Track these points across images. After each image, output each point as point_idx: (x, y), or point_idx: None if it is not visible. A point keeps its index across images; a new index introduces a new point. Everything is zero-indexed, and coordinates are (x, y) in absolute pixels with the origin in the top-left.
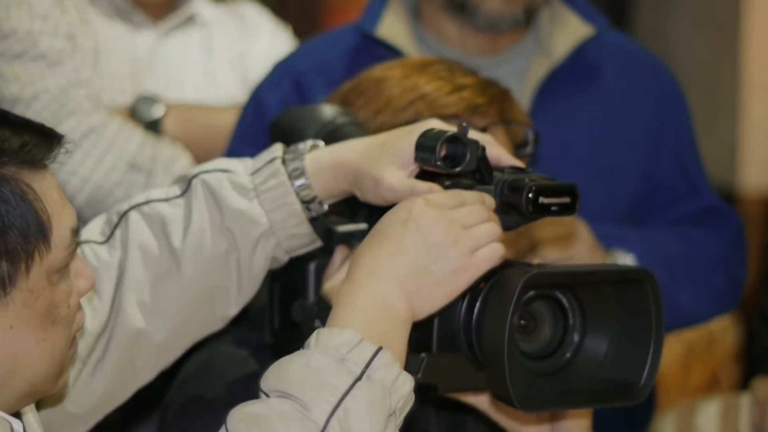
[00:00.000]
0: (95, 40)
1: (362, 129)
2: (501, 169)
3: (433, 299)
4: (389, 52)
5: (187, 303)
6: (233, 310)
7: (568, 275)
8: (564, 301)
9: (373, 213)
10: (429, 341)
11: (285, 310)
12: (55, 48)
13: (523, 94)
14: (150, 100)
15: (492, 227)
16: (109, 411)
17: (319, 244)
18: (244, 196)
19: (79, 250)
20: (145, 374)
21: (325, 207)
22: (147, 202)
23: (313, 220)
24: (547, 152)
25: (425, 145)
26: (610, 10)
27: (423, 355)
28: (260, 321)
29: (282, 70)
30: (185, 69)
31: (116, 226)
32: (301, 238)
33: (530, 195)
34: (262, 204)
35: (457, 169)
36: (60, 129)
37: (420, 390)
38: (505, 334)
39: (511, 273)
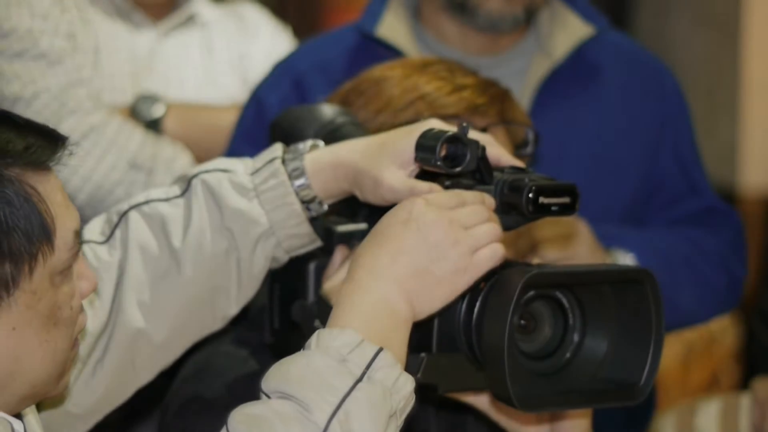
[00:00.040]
0: (95, 40)
1: (362, 129)
2: (501, 169)
3: (433, 299)
4: (389, 52)
5: (187, 303)
6: (233, 309)
7: (568, 275)
8: (564, 301)
9: (373, 213)
10: (429, 341)
11: (285, 310)
12: (55, 47)
13: (523, 94)
14: (150, 99)
15: (492, 227)
16: (109, 411)
17: (319, 243)
18: (244, 196)
19: (81, 252)
20: (145, 374)
21: (325, 207)
22: (147, 202)
23: (313, 220)
24: (547, 152)
25: (425, 145)
26: (610, 10)
27: (423, 355)
28: (260, 321)
29: (282, 69)
30: (185, 69)
31: (116, 225)
32: (301, 237)
33: (530, 195)
34: (262, 204)
35: (457, 169)
36: (60, 128)
37: (420, 390)
38: (505, 334)
39: (511, 273)
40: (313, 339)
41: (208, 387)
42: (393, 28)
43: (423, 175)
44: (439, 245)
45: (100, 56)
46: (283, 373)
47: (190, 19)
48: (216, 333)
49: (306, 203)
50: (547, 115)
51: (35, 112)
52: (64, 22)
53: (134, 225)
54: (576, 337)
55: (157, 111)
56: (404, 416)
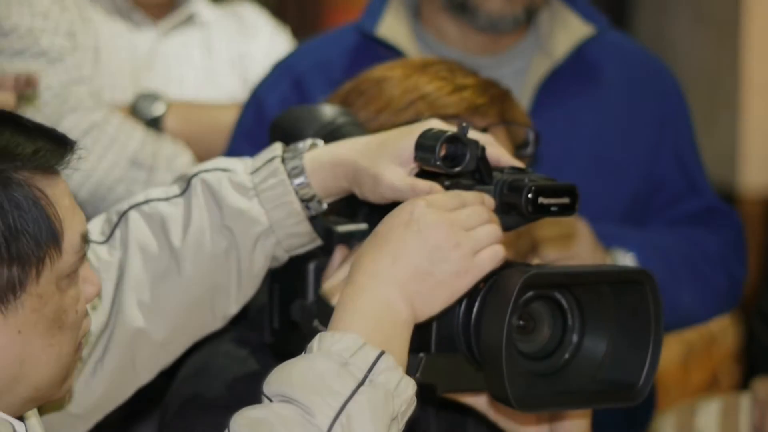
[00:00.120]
0: (96, 39)
1: (362, 129)
2: (501, 170)
3: (434, 302)
4: (389, 51)
5: (186, 302)
6: (233, 309)
7: (567, 275)
8: (563, 301)
9: (373, 213)
10: (427, 341)
11: (285, 310)
12: (56, 45)
13: (524, 94)
14: (151, 97)
15: (493, 229)
16: (110, 411)
17: (318, 242)
18: (243, 195)
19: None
20: (145, 374)
21: (324, 205)
22: (147, 202)
23: (312, 219)
24: (547, 152)
25: (425, 144)
26: (610, 10)
27: (421, 355)
28: (260, 321)
29: (282, 69)
30: (185, 68)
31: (116, 225)
32: (300, 236)
33: (530, 195)
34: (261, 203)
35: (457, 169)
36: (61, 125)
37: (420, 391)
38: (503, 335)
39: (509, 273)
40: (315, 342)
41: (207, 387)
42: (393, 28)
43: (422, 175)
44: (440, 247)
45: (101, 55)
46: (284, 377)
47: (190, 19)
48: (216, 333)
49: (305, 202)
50: (547, 115)
51: (36, 109)
52: (65, 21)
53: (134, 224)
54: (575, 338)
55: (158, 109)
56: (405, 419)
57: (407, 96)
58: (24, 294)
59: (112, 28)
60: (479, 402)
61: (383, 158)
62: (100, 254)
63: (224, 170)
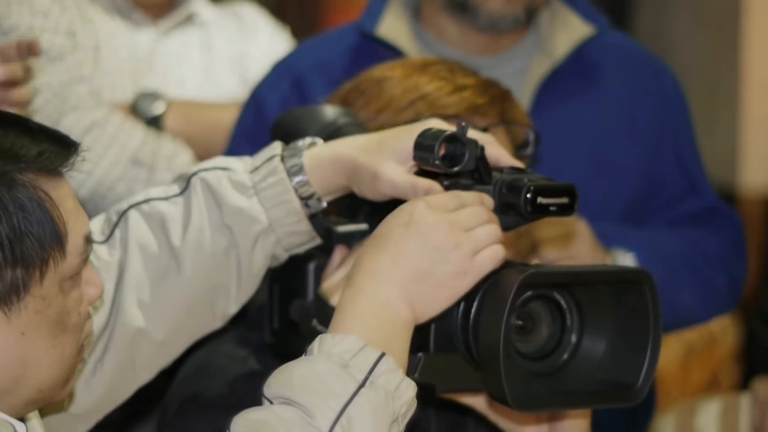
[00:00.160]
0: (95, 38)
1: (364, 130)
2: (500, 170)
3: (434, 303)
4: (389, 51)
5: (186, 301)
6: (233, 308)
7: (565, 275)
8: (562, 301)
9: (374, 213)
10: (426, 341)
11: (285, 310)
12: (56, 44)
13: (524, 94)
14: (151, 96)
15: (492, 229)
16: (110, 410)
17: (318, 241)
18: (243, 194)
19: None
20: (145, 373)
21: (324, 204)
22: (146, 201)
23: (311, 218)
24: (547, 152)
25: (424, 144)
26: (610, 10)
27: (420, 355)
28: (260, 320)
29: (282, 69)
30: (185, 67)
31: (116, 225)
32: (300, 235)
33: (528, 195)
34: (261, 202)
35: (456, 169)
36: (62, 124)
37: (420, 391)
38: (501, 334)
39: (507, 273)
40: (315, 344)
41: (207, 387)
42: (393, 27)
43: (421, 175)
44: (440, 248)
45: (100, 54)
46: (285, 379)
47: (189, 19)
48: (216, 332)
49: (304, 200)
50: (547, 115)
51: (37, 108)
52: (64, 20)
53: (134, 224)
54: (573, 338)
55: (158, 108)
56: (406, 421)
57: (407, 96)
58: (27, 296)
59: (111, 28)
60: (479, 402)
61: (383, 155)
62: (100, 254)
63: (224, 169)
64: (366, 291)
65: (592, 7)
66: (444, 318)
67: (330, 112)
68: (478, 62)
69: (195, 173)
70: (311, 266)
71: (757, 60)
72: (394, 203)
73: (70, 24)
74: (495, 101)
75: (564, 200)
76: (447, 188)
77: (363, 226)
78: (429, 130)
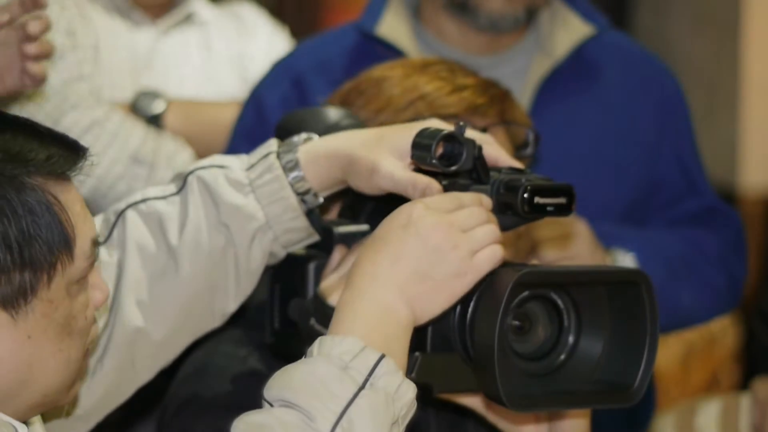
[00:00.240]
0: (95, 37)
1: None
2: (498, 170)
3: (434, 304)
4: (389, 51)
5: (185, 300)
6: (231, 306)
7: (561, 275)
8: (559, 302)
9: (375, 214)
10: (423, 341)
11: (285, 310)
12: (55, 43)
13: (523, 94)
14: (151, 95)
15: (491, 229)
16: (110, 411)
17: (315, 237)
18: (239, 192)
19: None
20: (145, 373)
21: (320, 199)
22: (144, 200)
23: (309, 214)
24: (547, 152)
25: (421, 143)
26: (610, 10)
27: (417, 354)
28: (259, 320)
29: (282, 68)
30: (184, 67)
31: (114, 225)
32: (297, 232)
33: (525, 195)
34: (258, 199)
35: (453, 168)
36: (62, 123)
37: (420, 392)
38: (495, 334)
39: (503, 272)
40: (315, 346)
41: (206, 387)
42: (393, 27)
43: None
44: (439, 249)
45: (100, 54)
46: (285, 381)
47: (189, 18)
48: (215, 332)
49: (301, 195)
50: (547, 115)
51: (37, 106)
52: (64, 19)
53: (132, 224)
54: (571, 339)
55: (158, 107)
56: (406, 423)
57: (407, 96)
58: (35, 299)
59: (111, 27)
60: (478, 403)
61: (382, 149)
62: (100, 255)
63: (220, 167)
64: (365, 292)
65: (592, 7)
66: (441, 318)
67: (333, 113)
68: (478, 62)
69: (191, 172)
70: (312, 266)
71: (757, 60)
72: (396, 204)
73: (70, 23)
74: (495, 101)
75: (561, 200)
76: (445, 188)
77: (364, 227)
78: (427, 129)
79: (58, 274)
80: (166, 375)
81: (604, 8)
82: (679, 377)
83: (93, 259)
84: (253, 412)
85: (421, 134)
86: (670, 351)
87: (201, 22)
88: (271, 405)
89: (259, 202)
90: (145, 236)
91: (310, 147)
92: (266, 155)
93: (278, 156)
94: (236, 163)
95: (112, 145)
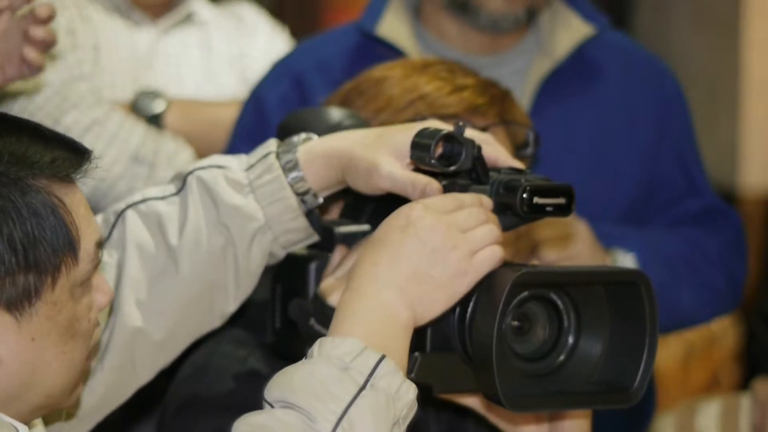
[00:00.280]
0: (95, 37)
1: None
2: (498, 170)
3: (434, 304)
4: (390, 51)
5: (185, 300)
6: (231, 306)
7: (560, 275)
8: (558, 302)
9: (376, 215)
10: (423, 341)
11: (286, 310)
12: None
13: (524, 94)
14: (151, 94)
15: (490, 229)
16: (110, 411)
17: (315, 238)
18: (239, 192)
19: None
20: (145, 373)
21: (320, 199)
22: (143, 201)
23: (309, 214)
24: (547, 152)
25: (421, 143)
26: (610, 10)
27: (416, 354)
28: (259, 320)
29: (282, 68)
30: (184, 66)
31: (114, 225)
32: (297, 232)
33: (525, 195)
34: (257, 199)
35: (452, 168)
36: (62, 122)
37: (421, 393)
38: (494, 334)
39: (502, 273)
40: (316, 347)
41: (206, 387)
42: (393, 27)
43: None
44: (438, 249)
45: (100, 53)
46: (286, 382)
47: (188, 18)
48: (215, 332)
49: (300, 196)
50: (547, 115)
51: (37, 106)
52: (64, 19)
53: (131, 224)
54: (571, 340)
55: (158, 106)
56: (407, 424)
57: (407, 96)
58: (39, 301)
59: (111, 27)
60: (476, 403)
61: (381, 149)
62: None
63: (219, 167)
64: (365, 293)
65: (592, 7)
66: (440, 318)
67: (336, 113)
68: (478, 62)
69: (191, 172)
70: (313, 266)
71: (757, 60)
72: (397, 204)
73: (70, 22)
74: (494, 101)
75: (561, 200)
76: (444, 188)
77: (365, 227)
78: (426, 129)
79: (63, 276)
80: (166, 375)
81: (604, 8)
82: (680, 377)
83: (97, 261)
84: (254, 413)
85: (421, 134)
86: (670, 351)
87: (201, 21)
88: (272, 406)
89: (258, 203)
90: (145, 236)
91: (309, 147)
92: (265, 155)
93: (277, 156)
94: (235, 163)
95: (112, 145)
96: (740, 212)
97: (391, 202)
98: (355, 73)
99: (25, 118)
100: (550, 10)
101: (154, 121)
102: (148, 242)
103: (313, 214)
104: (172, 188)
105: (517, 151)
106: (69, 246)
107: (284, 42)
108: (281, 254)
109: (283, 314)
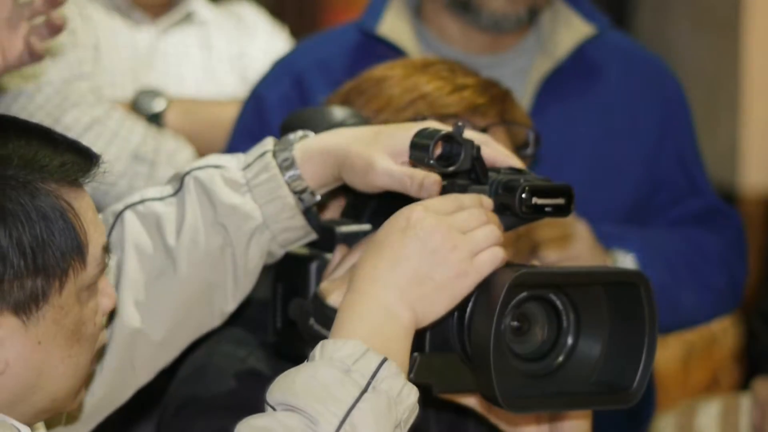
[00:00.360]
0: (95, 36)
1: None
2: (497, 170)
3: (435, 306)
4: (390, 50)
5: (183, 300)
6: (230, 306)
7: (559, 275)
8: (558, 303)
9: (377, 214)
10: (422, 341)
11: (287, 309)
12: (55, 41)
13: (524, 94)
14: (151, 93)
15: (491, 230)
16: (110, 412)
17: (313, 236)
18: (236, 191)
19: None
20: (144, 374)
21: (317, 197)
22: (142, 201)
23: (306, 212)
24: (547, 151)
25: (419, 143)
26: (610, 10)
27: (416, 354)
28: (258, 320)
29: (282, 67)
30: (184, 66)
31: (112, 227)
32: (295, 230)
33: (524, 195)
34: (254, 198)
35: (451, 169)
36: (63, 121)
37: (421, 394)
38: (491, 334)
39: (501, 273)
40: (317, 350)
41: (206, 387)
42: (394, 26)
43: None
44: (439, 251)
45: (100, 52)
46: (288, 385)
47: (188, 17)
48: (215, 332)
49: (298, 194)
50: (548, 115)
51: (38, 105)
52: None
53: (129, 225)
54: (570, 340)
55: (159, 105)
56: (408, 426)
57: (407, 95)
58: (46, 305)
59: (111, 26)
60: (478, 403)
61: (377, 146)
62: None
63: (216, 167)
64: (366, 296)
65: (593, 7)
66: (440, 318)
67: (338, 113)
68: (479, 62)
69: (188, 172)
70: (313, 266)
71: (758, 60)
72: (398, 202)
73: (70, 21)
74: (495, 101)
75: (560, 201)
76: (443, 188)
77: (365, 227)
78: (425, 129)
79: (70, 280)
80: (166, 375)
81: (605, 8)
82: (680, 377)
83: (104, 265)
84: (256, 416)
85: (420, 134)
86: (670, 351)
87: (201, 21)
88: (274, 409)
89: (256, 202)
90: (143, 237)
91: (305, 145)
92: (262, 154)
93: (274, 155)
94: (233, 162)
95: (113, 143)
96: (740, 212)
97: (391, 201)
98: (356, 72)
99: (35, 122)
100: (551, 10)
101: (155, 119)
102: (146, 243)
103: (311, 212)
104: (169, 189)
105: (518, 151)
106: (77, 250)
107: (284, 42)
108: (280, 253)
109: (284, 314)
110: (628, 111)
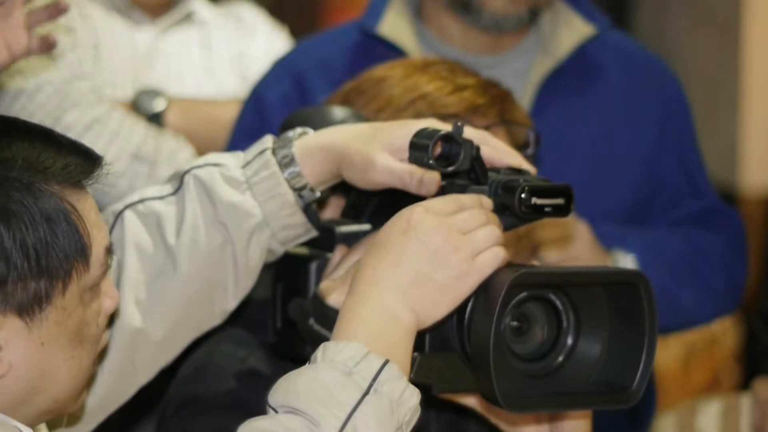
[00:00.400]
0: (95, 36)
1: None
2: (497, 170)
3: (437, 307)
4: (390, 50)
5: (184, 299)
6: (231, 304)
7: (558, 275)
8: (558, 303)
9: (377, 213)
10: (422, 341)
11: (287, 309)
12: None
13: (525, 94)
14: (152, 93)
15: (491, 230)
16: (111, 411)
17: (314, 233)
18: (236, 189)
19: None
20: (145, 373)
21: (317, 194)
22: (141, 201)
23: (306, 209)
24: (548, 152)
25: (419, 144)
26: (610, 10)
27: (416, 354)
28: (258, 320)
29: (283, 67)
30: (184, 66)
31: (112, 226)
32: (295, 228)
33: (523, 195)
34: (254, 196)
35: (451, 169)
36: (63, 121)
37: (422, 394)
38: (491, 334)
39: (500, 273)
40: (319, 352)
41: (206, 387)
42: (394, 26)
43: None
44: (440, 252)
45: (100, 52)
46: (290, 387)
47: (188, 17)
48: (215, 332)
49: (297, 191)
50: (548, 115)
51: (38, 105)
52: (63, 18)
53: (129, 224)
54: (570, 340)
55: (159, 105)
56: (410, 428)
57: (407, 95)
58: (49, 306)
59: (111, 26)
60: (478, 403)
61: (377, 143)
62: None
63: (216, 165)
64: (367, 298)
65: (594, 7)
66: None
67: (339, 112)
68: (479, 61)
69: (188, 171)
70: (313, 266)
71: (758, 60)
72: (398, 202)
73: (70, 21)
74: (495, 101)
75: (559, 201)
76: (443, 188)
77: (366, 226)
78: (424, 129)
79: (73, 281)
80: (166, 375)
81: (605, 8)
82: (680, 377)
83: (106, 267)
84: (258, 418)
85: (419, 134)
86: (670, 351)
87: (200, 21)
88: (276, 411)
89: (255, 199)
90: (143, 236)
91: (304, 142)
92: (262, 152)
93: (273, 152)
94: (232, 160)
95: (113, 143)
96: (740, 212)
97: (392, 201)
98: (356, 72)
99: (37, 124)
100: (551, 10)
101: (155, 119)
102: (146, 242)
103: (311, 209)
104: (169, 188)
105: (518, 151)
106: (80, 252)
107: (284, 41)
108: (280, 250)
109: (284, 314)
110: (628, 111)
